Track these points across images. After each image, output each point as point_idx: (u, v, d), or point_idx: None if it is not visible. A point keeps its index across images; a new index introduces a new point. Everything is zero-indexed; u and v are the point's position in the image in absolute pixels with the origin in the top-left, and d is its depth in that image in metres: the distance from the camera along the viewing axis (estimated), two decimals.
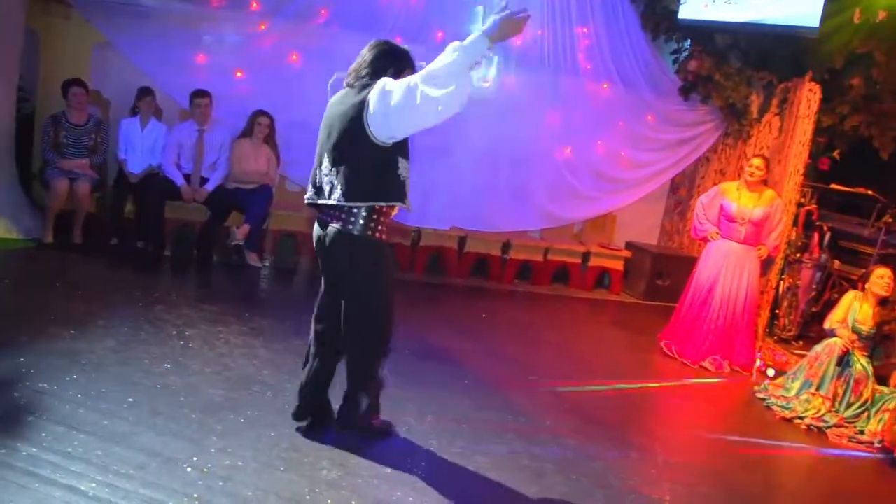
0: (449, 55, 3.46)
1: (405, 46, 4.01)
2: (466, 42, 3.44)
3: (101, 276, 6.44)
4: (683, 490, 4.47)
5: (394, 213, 3.98)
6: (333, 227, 3.87)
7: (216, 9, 7.68)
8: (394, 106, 3.58)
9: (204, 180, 7.52)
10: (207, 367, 4.86)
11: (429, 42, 7.74)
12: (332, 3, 7.94)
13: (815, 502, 4.92)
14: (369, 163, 3.78)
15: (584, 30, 8.69)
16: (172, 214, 7.44)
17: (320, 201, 3.94)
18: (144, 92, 7.47)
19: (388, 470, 3.95)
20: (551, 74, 8.71)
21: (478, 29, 3.53)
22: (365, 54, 3.93)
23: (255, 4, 7.77)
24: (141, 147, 7.48)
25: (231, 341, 5.38)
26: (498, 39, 3.49)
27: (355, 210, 3.81)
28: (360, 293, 3.97)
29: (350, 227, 3.82)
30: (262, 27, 7.82)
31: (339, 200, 3.81)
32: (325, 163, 3.89)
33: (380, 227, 3.87)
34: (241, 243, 7.34)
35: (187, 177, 7.47)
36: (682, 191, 9.99)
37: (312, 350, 4.24)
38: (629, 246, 9.71)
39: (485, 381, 5.59)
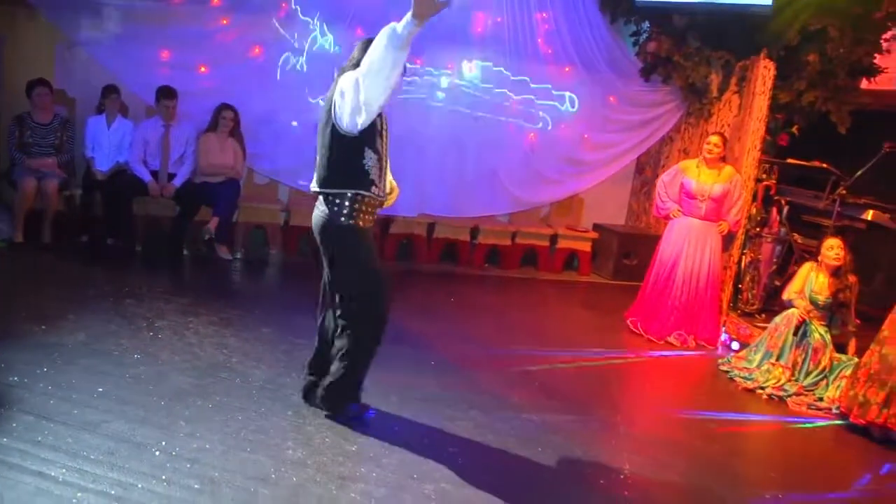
0: (382, 37, 3.58)
1: None
2: (399, 24, 3.53)
3: (71, 274, 6.50)
4: (644, 460, 4.59)
5: (384, 203, 4.16)
6: (320, 213, 4.05)
7: (177, 5, 7.71)
8: (346, 97, 3.78)
9: (171, 176, 7.56)
10: (177, 356, 4.94)
11: None
12: None
13: (775, 468, 5.03)
14: (338, 152, 3.95)
15: (544, 15, 8.77)
16: (141, 211, 7.49)
17: (313, 188, 4.12)
18: (110, 90, 7.50)
19: (353, 448, 4.07)
20: (513, 60, 8.79)
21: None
22: (354, 51, 4.07)
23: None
24: (108, 145, 7.52)
25: (201, 331, 5.46)
26: (419, 15, 3.46)
27: (331, 196, 3.99)
28: (345, 278, 4.15)
29: (330, 213, 4.00)
30: (224, 22, 7.86)
31: (316, 187, 4.03)
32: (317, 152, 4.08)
33: (355, 215, 4.00)
34: (213, 236, 7.42)
35: (154, 173, 7.51)
36: (647, 171, 10.10)
37: (317, 334, 4.44)
38: (597, 227, 9.84)
39: (451, 361, 5.70)
